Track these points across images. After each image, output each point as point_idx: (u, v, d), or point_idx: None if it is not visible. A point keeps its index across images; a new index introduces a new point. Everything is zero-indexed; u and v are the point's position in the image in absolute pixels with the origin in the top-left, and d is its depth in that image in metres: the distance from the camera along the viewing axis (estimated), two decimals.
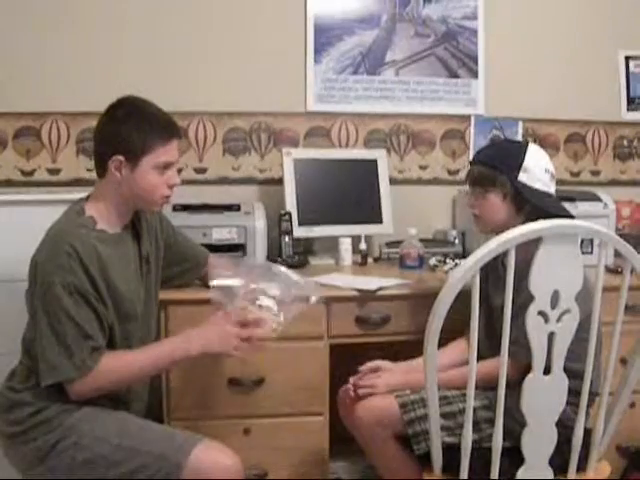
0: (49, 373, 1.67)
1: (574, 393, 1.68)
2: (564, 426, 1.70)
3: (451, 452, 1.74)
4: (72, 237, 1.70)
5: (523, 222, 1.82)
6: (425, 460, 1.82)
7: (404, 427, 1.87)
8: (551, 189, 1.97)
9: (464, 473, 1.69)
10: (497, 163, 1.95)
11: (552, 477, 1.72)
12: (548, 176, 1.96)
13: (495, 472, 1.68)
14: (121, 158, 1.75)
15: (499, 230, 1.71)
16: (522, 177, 1.92)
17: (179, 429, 1.88)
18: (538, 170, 1.94)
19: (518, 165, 1.92)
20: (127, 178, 1.77)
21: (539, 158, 1.97)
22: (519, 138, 3.05)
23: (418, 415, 1.85)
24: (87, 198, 1.85)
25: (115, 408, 1.79)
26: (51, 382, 1.67)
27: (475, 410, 1.72)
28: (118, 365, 1.72)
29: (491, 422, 1.70)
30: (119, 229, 1.85)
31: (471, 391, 1.64)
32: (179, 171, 2.73)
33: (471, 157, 3.00)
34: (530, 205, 1.91)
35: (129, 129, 1.75)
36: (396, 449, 1.93)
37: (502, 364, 1.61)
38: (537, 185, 1.93)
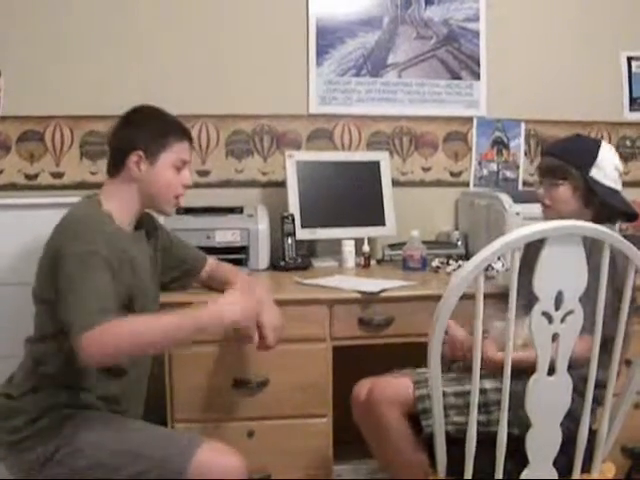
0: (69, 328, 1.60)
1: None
2: (571, 423, 1.70)
3: (455, 447, 1.73)
4: (99, 223, 1.73)
5: (592, 216, 1.96)
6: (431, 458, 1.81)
7: (415, 404, 1.87)
8: (619, 186, 2.03)
9: (468, 473, 1.69)
10: (572, 156, 2.01)
11: (556, 478, 1.72)
12: (617, 174, 2.02)
13: (499, 471, 1.68)
14: (141, 153, 1.81)
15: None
16: (594, 172, 1.98)
17: (178, 430, 1.87)
18: (609, 167, 2.00)
19: (592, 161, 1.98)
20: (145, 174, 1.82)
21: (611, 156, 2.03)
22: (522, 140, 3.05)
23: (429, 392, 1.84)
24: (99, 196, 1.85)
25: (110, 408, 1.78)
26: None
27: (486, 392, 1.73)
28: (138, 321, 1.63)
29: (500, 405, 1.70)
30: (131, 229, 1.87)
31: (476, 383, 1.64)
32: None
33: (474, 159, 3.03)
34: (598, 200, 1.98)
35: (147, 128, 1.85)
36: (408, 432, 1.92)
37: (507, 353, 1.61)
38: (607, 182, 1.99)
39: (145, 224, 1.96)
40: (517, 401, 1.64)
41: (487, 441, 1.69)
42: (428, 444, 1.83)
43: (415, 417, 1.89)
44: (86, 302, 1.60)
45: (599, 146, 2.02)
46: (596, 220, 1.90)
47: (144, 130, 1.84)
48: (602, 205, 1.98)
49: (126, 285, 1.75)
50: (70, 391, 1.75)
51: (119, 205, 1.83)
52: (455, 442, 1.73)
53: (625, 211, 2.01)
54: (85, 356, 1.56)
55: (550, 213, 2.05)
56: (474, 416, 1.65)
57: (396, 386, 1.94)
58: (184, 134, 1.91)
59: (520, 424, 1.68)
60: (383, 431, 1.98)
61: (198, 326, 1.66)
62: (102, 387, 1.79)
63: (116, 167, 1.85)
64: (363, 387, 2.08)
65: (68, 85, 2.73)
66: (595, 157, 1.99)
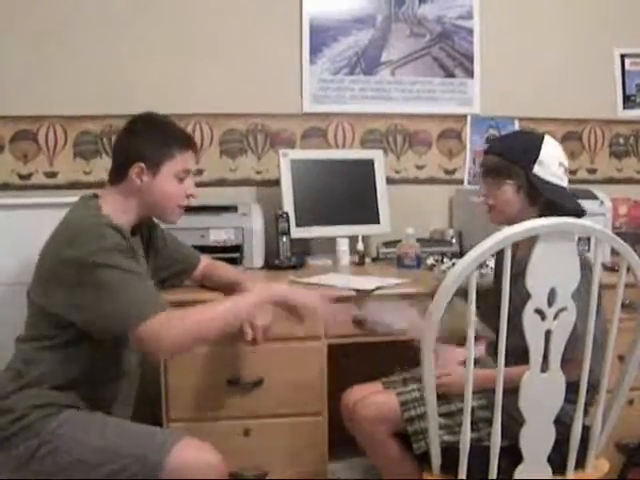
0: (114, 320, 1.64)
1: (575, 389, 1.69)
2: (563, 423, 1.71)
3: (450, 451, 1.74)
4: (104, 225, 1.72)
5: (537, 215, 1.87)
6: (425, 460, 1.82)
7: (404, 425, 1.87)
8: (564, 183, 1.96)
9: (463, 473, 1.70)
10: (513, 154, 1.94)
11: (550, 474, 1.73)
12: (562, 170, 1.95)
13: (493, 472, 1.68)
14: (142, 165, 1.81)
15: (512, 222, 1.74)
16: (537, 170, 1.91)
17: (159, 427, 1.86)
18: (553, 163, 1.93)
19: (534, 157, 1.91)
20: (147, 185, 1.83)
21: (554, 151, 1.96)
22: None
23: (418, 413, 1.86)
24: (98, 198, 1.84)
25: (96, 410, 1.78)
26: (119, 327, 1.64)
27: (473, 410, 1.73)
28: (197, 311, 1.70)
29: (488, 422, 1.71)
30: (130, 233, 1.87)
31: (469, 394, 1.64)
32: None
33: (468, 156, 3.03)
34: (543, 198, 1.91)
35: (150, 138, 1.84)
36: (396, 448, 1.93)
37: (500, 363, 1.62)
38: (551, 178, 1.92)
39: (142, 227, 1.96)
40: (506, 414, 1.65)
41: (480, 457, 1.69)
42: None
43: (403, 435, 1.91)
44: (137, 295, 1.65)
45: (542, 142, 1.94)
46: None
47: (146, 141, 1.83)
48: (547, 203, 1.90)
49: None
50: (58, 392, 1.74)
51: (118, 212, 1.82)
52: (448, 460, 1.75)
53: (571, 208, 1.91)
54: (149, 347, 1.64)
55: (495, 214, 2.00)
56: (468, 411, 1.66)
57: (381, 405, 1.93)
58: (187, 144, 1.89)
59: (510, 436, 1.68)
60: (370, 445, 1.99)
61: (250, 306, 1.77)
62: (92, 390, 1.79)
63: (118, 176, 1.85)
64: (350, 396, 2.08)
65: (61, 85, 2.72)
66: (537, 153, 1.91)
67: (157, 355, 1.67)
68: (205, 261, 2.18)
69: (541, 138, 1.96)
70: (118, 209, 1.82)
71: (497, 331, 1.62)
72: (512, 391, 1.63)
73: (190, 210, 2.50)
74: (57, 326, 1.74)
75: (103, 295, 1.65)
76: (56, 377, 1.74)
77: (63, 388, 1.75)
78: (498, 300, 1.59)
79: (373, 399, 1.95)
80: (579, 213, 1.92)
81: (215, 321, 1.71)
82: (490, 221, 2.03)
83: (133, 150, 1.83)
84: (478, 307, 1.60)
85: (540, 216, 1.85)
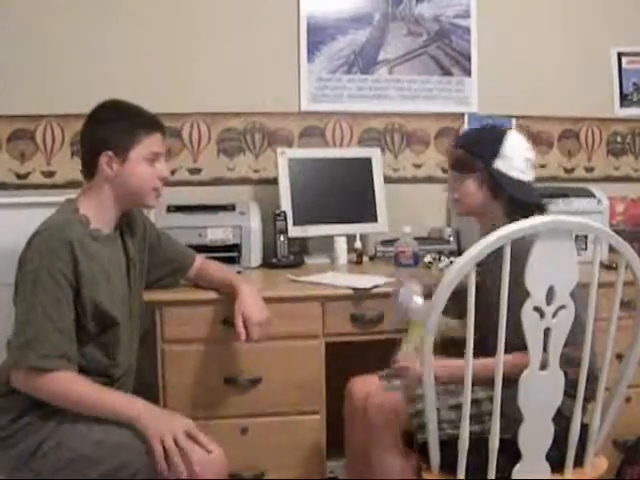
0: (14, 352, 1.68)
1: (574, 384, 1.69)
2: (563, 418, 1.71)
3: (450, 446, 1.74)
4: (67, 230, 1.72)
5: (502, 209, 1.90)
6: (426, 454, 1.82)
7: (409, 421, 1.86)
8: (529, 177, 1.95)
9: (461, 471, 1.70)
10: (476, 148, 1.95)
11: (549, 472, 1.73)
12: (527, 164, 1.94)
13: (492, 470, 1.68)
14: (110, 153, 1.80)
15: (477, 214, 1.82)
16: (499, 164, 1.90)
17: None
18: (517, 158, 1.91)
19: (496, 151, 1.91)
20: (118, 173, 1.81)
21: (518, 145, 1.94)
22: None
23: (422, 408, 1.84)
24: (77, 199, 1.85)
25: None
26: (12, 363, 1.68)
27: (481, 402, 1.73)
28: (71, 388, 1.68)
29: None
30: (111, 229, 1.87)
31: (468, 389, 1.64)
32: (173, 172, 2.77)
33: None
34: (506, 193, 1.90)
35: (115, 125, 1.82)
36: (398, 458, 1.92)
37: (499, 358, 1.62)
38: (514, 173, 1.91)
39: (131, 222, 1.96)
40: (507, 408, 1.65)
41: (479, 454, 1.69)
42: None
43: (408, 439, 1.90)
44: (32, 335, 1.66)
45: (505, 136, 1.93)
46: (507, 213, 1.89)
47: (111, 128, 1.81)
48: (511, 198, 1.89)
49: (93, 294, 1.75)
50: None
51: (96, 207, 1.82)
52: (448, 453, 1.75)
53: (532, 204, 1.90)
54: (14, 382, 1.68)
55: (459, 207, 2.01)
56: (467, 412, 1.66)
57: (392, 406, 1.90)
58: (153, 126, 1.86)
59: (510, 429, 1.68)
60: (375, 442, 1.95)
61: (113, 412, 1.68)
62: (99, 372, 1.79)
63: (89, 169, 1.84)
64: (357, 386, 2.07)
65: (58, 84, 2.71)
66: (499, 148, 1.90)
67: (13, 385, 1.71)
68: (199, 260, 2.18)
69: (505, 132, 1.96)
70: (96, 205, 1.82)
71: (481, 327, 1.64)
72: (506, 382, 1.63)
73: (188, 209, 2.53)
74: None
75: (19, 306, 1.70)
76: None
77: None
78: (483, 296, 1.59)
79: (385, 400, 1.92)
80: (541, 208, 1.92)
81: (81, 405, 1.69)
82: (456, 213, 2.07)
83: (99, 139, 1.81)
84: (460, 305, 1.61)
85: (505, 210, 1.90)
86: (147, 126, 1.85)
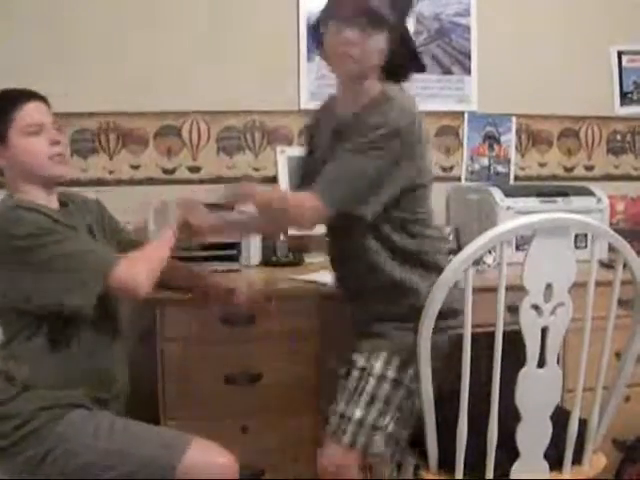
0: (84, 285, 1.67)
1: None
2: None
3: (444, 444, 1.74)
4: (23, 207, 1.72)
5: (377, 74, 1.80)
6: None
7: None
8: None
9: (459, 471, 1.70)
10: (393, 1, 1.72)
11: (547, 471, 1.73)
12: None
13: (490, 468, 1.69)
14: None
15: (359, 79, 1.75)
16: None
17: (167, 428, 1.86)
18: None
19: (409, 9, 1.81)
20: (10, 157, 1.79)
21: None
22: (513, 134, 3.06)
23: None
24: (8, 194, 1.83)
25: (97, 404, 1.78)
26: (94, 286, 1.67)
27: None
28: (139, 251, 1.78)
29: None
30: (56, 206, 1.85)
31: (465, 392, 1.64)
32: (173, 171, 2.78)
33: (465, 153, 3.03)
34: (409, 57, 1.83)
35: None
36: None
37: (496, 358, 1.62)
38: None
39: (73, 204, 1.93)
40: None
41: (476, 452, 1.69)
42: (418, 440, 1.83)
43: None
44: (93, 252, 1.72)
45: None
46: (381, 79, 1.79)
47: None
48: (394, 64, 1.77)
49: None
50: (54, 391, 1.72)
51: (26, 192, 1.80)
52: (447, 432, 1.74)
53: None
54: (129, 288, 1.69)
55: (351, 68, 1.74)
56: (464, 409, 1.66)
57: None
58: (20, 99, 1.80)
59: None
60: None
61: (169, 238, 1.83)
62: (89, 386, 1.78)
63: None
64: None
65: (57, 82, 2.70)
66: (412, 6, 1.80)
67: (138, 294, 1.70)
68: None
69: None
70: (22, 192, 1.80)
71: None
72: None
73: None
74: (24, 319, 1.73)
75: (57, 266, 1.68)
76: (46, 376, 1.73)
77: (58, 387, 1.73)
78: None
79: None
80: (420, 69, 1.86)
81: (162, 250, 1.80)
82: (343, 75, 1.81)
83: None
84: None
85: (379, 77, 1.80)
86: (14, 102, 1.79)
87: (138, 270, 1.69)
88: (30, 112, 1.80)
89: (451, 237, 2.83)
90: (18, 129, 1.78)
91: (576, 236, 2.48)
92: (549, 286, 1.59)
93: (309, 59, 2.89)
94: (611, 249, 1.74)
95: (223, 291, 2.07)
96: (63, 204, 1.88)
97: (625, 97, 3.16)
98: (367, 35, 1.68)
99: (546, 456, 1.72)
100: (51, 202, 1.83)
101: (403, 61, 1.79)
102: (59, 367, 1.74)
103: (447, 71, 3.00)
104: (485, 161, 3.06)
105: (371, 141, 1.66)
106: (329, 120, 1.87)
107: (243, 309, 2.07)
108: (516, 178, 3.08)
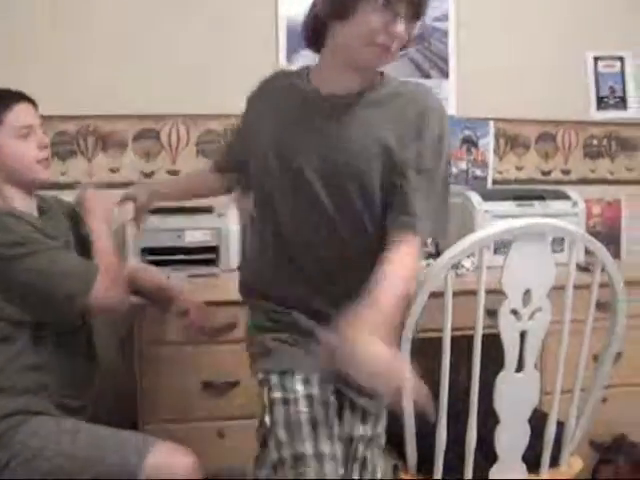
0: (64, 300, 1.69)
1: None
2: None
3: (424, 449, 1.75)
4: (6, 213, 1.72)
5: None
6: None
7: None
8: None
9: (438, 473, 1.70)
10: None
11: (526, 474, 1.74)
12: None
13: (469, 470, 1.69)
14: None
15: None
16: None
17: (132, 432, 1.83)
18: None
19: None
20: None
21: None
22: (491, 138, 3.08)
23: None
24: None
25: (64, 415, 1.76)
26: (79, 293, 1.70)
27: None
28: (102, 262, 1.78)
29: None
30: (35, 212, 1.85)
31: (444, 396, 1.65)
32: (151, 174, 2.76)
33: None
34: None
35: None
36: None
37: (476, 358, 1.63)
38: None
39: (52, 209, 1.93)
40: None
41: (455, 455, 1.69)
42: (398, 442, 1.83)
43: None
44: (73, 267, 1.73)
45: None
46: None
47: None
48: None
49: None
50: (16, 398, 1.70)
51: (13, 200, 1.80)
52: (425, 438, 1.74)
53: None
54: (95, 303, 1.71)
55: (388, 59, 1.53)
56: (444, 411, 1.67)
57: None
58: (9, 100, 1.79)
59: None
60: None
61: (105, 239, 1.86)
62: (61, 394, 1.77)
63: None
64: None
65: (38, 85, 2.67)
66: None
67: (116, 310, 1.77)
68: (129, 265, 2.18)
69: None
70: (11, 197, 1.80)
71: None
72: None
73: (166, 211, 2.51)
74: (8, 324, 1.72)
75: (37, 281, 1.68)
76: (21, 381, 1.71)
77: (24, 392, 1.71)
78: None
79: None
80: None
81: (109, 255, 1.81)
82: (375, 66, 1.58)
83: None
84: None
85: None
86: (3, 102, 1.78)
87: (114, 286, 1.74)
88: (20, 114, 1.80)
89: (429, 241, 2.83)
90: (7, 133, 1.77)
91: (553, 240, 2.50)
92: (528, 291, 1.61)
93: (288, 62, 2.88)
94: (587, 252, 1.75)
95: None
96: (42, 211, 1.87)
97: (601, 102, 3.20)
98: (410, 28, 1.49)
99: (524, 458, 1.73)
100: (30, 207, 1.82)
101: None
102: (23, 374, 1.72)
103: (426, 75, 3.02)
104: (463, 165, 3.08)
105: (439, 152, 1.52)
106: (303, 96, 1.68)
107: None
108: (494, 182, 3.10)
